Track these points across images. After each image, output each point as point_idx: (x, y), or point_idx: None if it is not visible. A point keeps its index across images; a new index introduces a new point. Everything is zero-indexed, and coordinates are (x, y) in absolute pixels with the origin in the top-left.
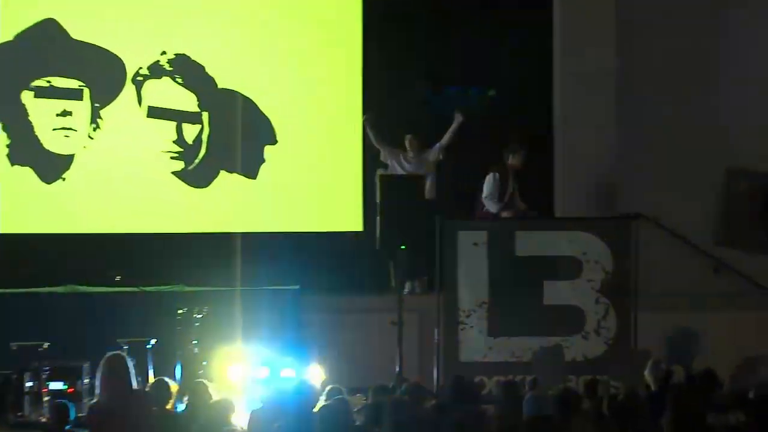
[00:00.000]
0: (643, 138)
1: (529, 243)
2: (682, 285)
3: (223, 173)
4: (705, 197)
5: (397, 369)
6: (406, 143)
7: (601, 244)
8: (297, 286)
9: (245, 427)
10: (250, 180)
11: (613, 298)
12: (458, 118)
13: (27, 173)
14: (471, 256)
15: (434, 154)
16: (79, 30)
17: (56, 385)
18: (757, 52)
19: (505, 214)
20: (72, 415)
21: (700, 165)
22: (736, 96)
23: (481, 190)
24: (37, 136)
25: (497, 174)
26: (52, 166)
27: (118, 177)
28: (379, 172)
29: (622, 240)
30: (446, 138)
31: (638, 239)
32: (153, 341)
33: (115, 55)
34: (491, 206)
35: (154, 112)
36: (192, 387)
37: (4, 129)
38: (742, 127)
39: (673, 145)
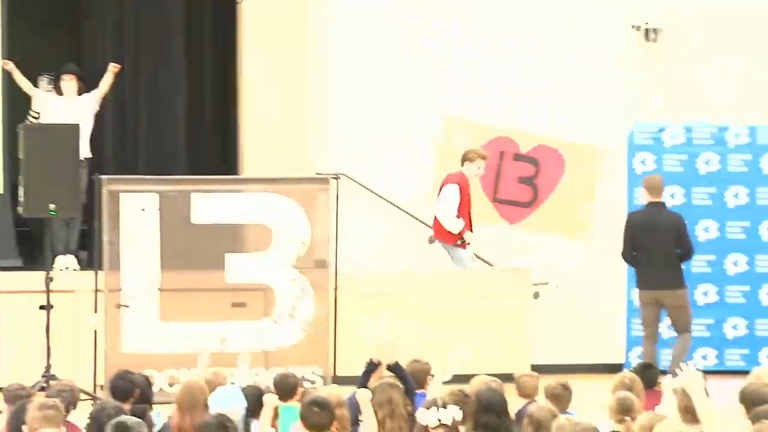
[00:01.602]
0: (344, 94)
1: (209, 208)
2: (392, 256)
3: None
4: (419, 156)
5: (45, 364)
6: (61, 86)
7: (296, 208)
8: None
9: None
10: None
11: (309, 275)
12: (112, 69)
13: None
14: (138, 225)
15: (92, 102)
16: None
17: None
18: None
19: None
20: None
21: (413, 120)
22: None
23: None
24: None
25: None
26: None
27: None
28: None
29: (320, 205)
30: (101, 87)
31: (338, 204)
32: None
33: None
34: None
35: None
36: None
37: None
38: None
39: (383, 99)
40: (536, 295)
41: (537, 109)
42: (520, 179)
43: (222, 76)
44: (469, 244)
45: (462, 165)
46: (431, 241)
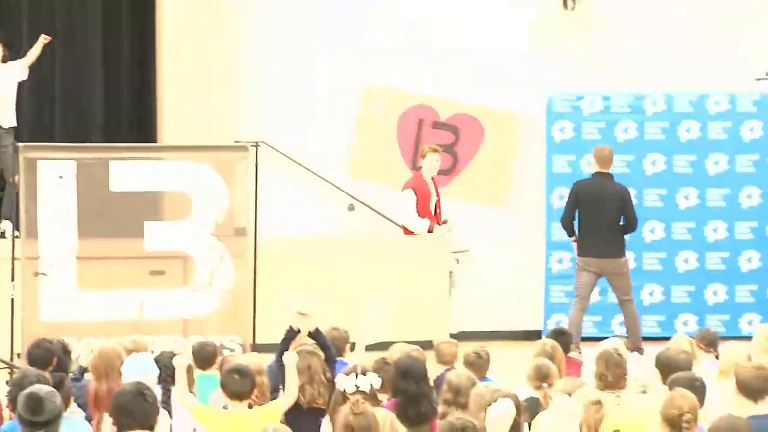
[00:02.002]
0: (265, 62)
1: (127, 176)
2: (312, 223)
3: None
4: (339, 124)
5: None
6: None
7: (215, 176)
8: None
9: None
10: None
11: (228, 243)
12: (43, 39)
13: None
14: (55, 192)
15: (18, 70)
16: None
17: None
18: None
19: None
20: None
21: (333, 85)
22: None
23: None
24: None
25: None
26: None
27: None
28: None
29: (239, 173)
30: (29, 56)
31: (258, 172)
32: None
33: None
34: None
35: None
36: None
37: None
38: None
39: (304, 68)
40: (456, 263)
41: (456, 78)
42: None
43: (140, 43)
44: (445, 221)
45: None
46: (351, 208)
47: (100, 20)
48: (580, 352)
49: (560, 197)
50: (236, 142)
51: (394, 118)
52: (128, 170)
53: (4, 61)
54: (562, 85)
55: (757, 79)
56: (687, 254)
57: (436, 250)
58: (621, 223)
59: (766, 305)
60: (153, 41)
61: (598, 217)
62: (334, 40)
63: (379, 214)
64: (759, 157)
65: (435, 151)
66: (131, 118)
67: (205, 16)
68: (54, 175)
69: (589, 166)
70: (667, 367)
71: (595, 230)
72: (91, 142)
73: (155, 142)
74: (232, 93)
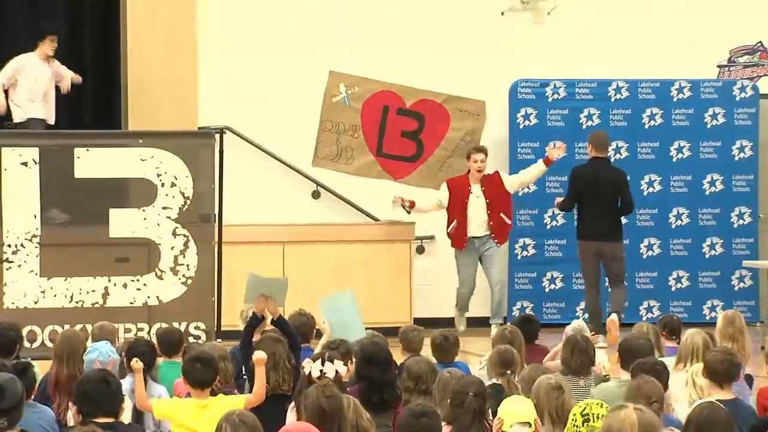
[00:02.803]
0: (232, 48)
1: (92, 162)
2: (276, 209)
3: None
4: (308, 108)
5: None
6: None
7: (179, 163)
8: None
9: None
10: None
11: (193, 229)
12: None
13: None
14: (19, 179)
15: (60, 73)
16: None
17: None
18: None
19: None
20: None
21: (298, 72)
22: None
23: None
24: None
25: None
26: None
27: None
28: None
29: (204, 159)
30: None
31: (223, 158)
32: None
33: None
34: None
35: None
36: None
37: None
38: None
39: (270, 53)
40: (420, 250)
41: (421, 64)
42: (403, 134)
43: (106, 27)
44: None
45: None
46: (316, 195)
47: (62, 4)
48: (601, 339)
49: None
50: (201, 128)
51: (358, 105)
52: (93, 157)
53: (54, 56)
54: (526, 72)
55: (719, 66)
56: (651, 240)
57: (400, 237)
58: (618, 205)
59: (728, 291)
60: (117, 26)
61: (596, 201)
62: (302, 25)
63: (344, 200)
64: (721, 144)
65: (476, 151)
66: (96, 104)
67: (172, 2)
68: (17, 161)
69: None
70: (629, 354)
71: (593, 214)
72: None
73: (120, 128)
74: (199, 79)
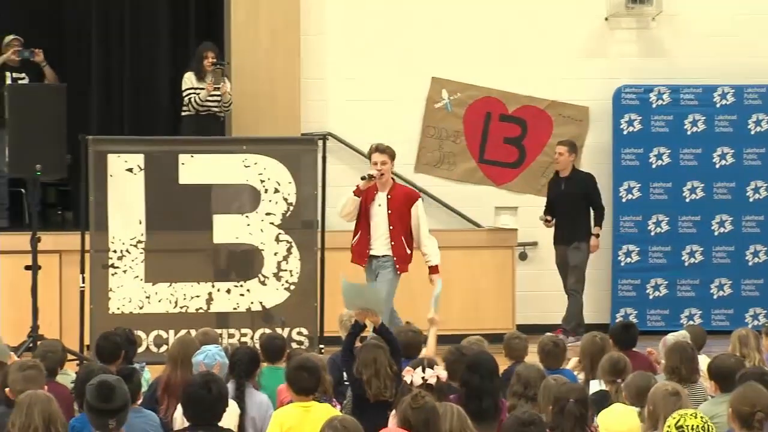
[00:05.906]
0: (335, 55)
1: (196, 169)
2: None
3: None
4: (410, 114)
5: (32, 324)
6: None
7: (282, 169)
8: None
9: None
10: None
11: (296, 235)
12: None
13: None
14: (124, 185)
15: None
16: None
17: None
18: None
19: None
20: None
21: (402, 81)
22: None
23: None
24: None
25: None
26: None
27: None
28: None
29: (306, 165)
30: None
31: (326, 165)
32: None
33: None
34: None
35: None
36: None
37: None
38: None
39: (372, 61)
40: (523, 256)
41: (524, 70)
42: (506, 140)
43: (209, 34)
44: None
45: None
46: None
47: (167, 15)
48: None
49: (627, 190)
50: (304, 134)
51: (461, 111)
52: (197, 163)
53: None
54: (631, 77)
55: None
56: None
57: (502, 243)
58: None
59: None
60: (221, 35)
61: (562, 206)
62: (405, 32)
63: (446, 206)
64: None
65: (376, 150)
66: None
67: (276, 10)
68: (123, 167)
69: (656, 159)
70: (721, 375)
71: (560, 219)
72: (159, 135)
73: (224, 134)
74: (302, 86)
